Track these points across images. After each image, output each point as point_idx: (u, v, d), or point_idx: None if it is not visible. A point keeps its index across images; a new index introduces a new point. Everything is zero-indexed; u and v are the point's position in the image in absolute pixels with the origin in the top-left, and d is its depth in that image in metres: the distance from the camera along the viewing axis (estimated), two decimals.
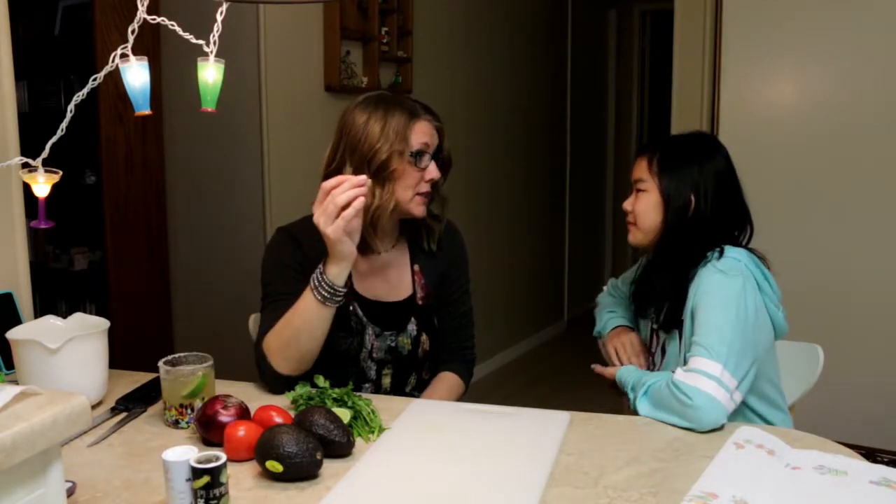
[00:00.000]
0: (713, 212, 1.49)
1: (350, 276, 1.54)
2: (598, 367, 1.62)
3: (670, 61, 3.32)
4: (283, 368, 1.46)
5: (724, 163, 1.55)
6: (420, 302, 1.66)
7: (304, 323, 1.43)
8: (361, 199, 1.35)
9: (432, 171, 1.55)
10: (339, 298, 1.42)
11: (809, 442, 1.23)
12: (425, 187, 1.55)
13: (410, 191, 1.54)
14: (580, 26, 5.24)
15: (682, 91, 3.28)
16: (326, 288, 1.40)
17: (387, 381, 1.64)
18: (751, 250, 1.50)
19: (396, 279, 1.65)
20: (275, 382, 1.47)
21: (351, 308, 1.59)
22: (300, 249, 1.57)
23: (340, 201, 1.34)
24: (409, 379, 1.67)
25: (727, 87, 3.13)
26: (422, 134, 1.54)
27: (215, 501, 0.98)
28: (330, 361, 1.55)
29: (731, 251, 1.46)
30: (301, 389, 1.38)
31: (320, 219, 1.36)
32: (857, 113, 2.92)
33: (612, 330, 1.70)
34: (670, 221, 1.50)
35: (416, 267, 1.67)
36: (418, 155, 1.53)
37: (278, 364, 1.46)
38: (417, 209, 1.56)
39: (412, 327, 1.64)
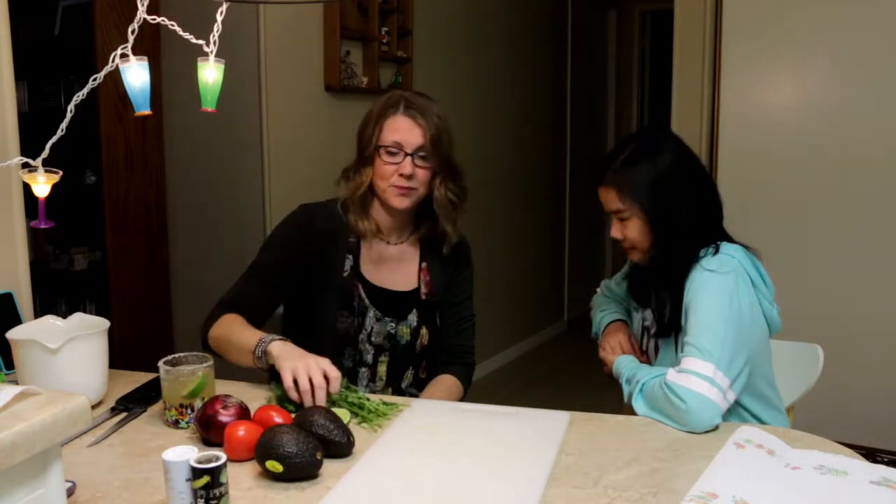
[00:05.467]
0: (695, 204, 1.48)
1: (358, 260, 1.66)
2: (601, 353, 1.62)
3: (670, 61, 3.31)
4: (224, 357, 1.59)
5: (679, 150, 1.51)
6: (424, 297, 1.70)
7: (236, 349, 1.52)
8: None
9: (403, 167, 1.58)
10: (263, 367, 1.47)
11: (809, 442, 1.23)
12: (399, 181, 1.59)
13: (384, 182, 1.61)
14: (580, 26, 5.24)
15: (682, 91, 3.28)
16: (261, 353, 1.45)
17: (382, 368, 1.66)
18: (746, 247, 1.50)
19: (403, 271, 1.70)
20: (204, 347, 1.61)
21: (355, 290, 1.64)
22: (310, 227, 1.66)
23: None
24: (406, 374, 1.69)
25: (727, 87, 3.13)
26: (393, 130, 1.60)
27: (215, 501, 0.98)
28: (330, 339, 1.61)
29: (726, 248, 1.45)
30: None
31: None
32: (857, 113, 2.92)
33: (606, 327, 1.70)
34: (662, 236, 1.47)
35: (424, 265, 1.72)
36: (388, 150, 1.59)
37: (212, 345, 1.60)
38: (393, 200, 1.60)
39: (413, 318, 1.68)
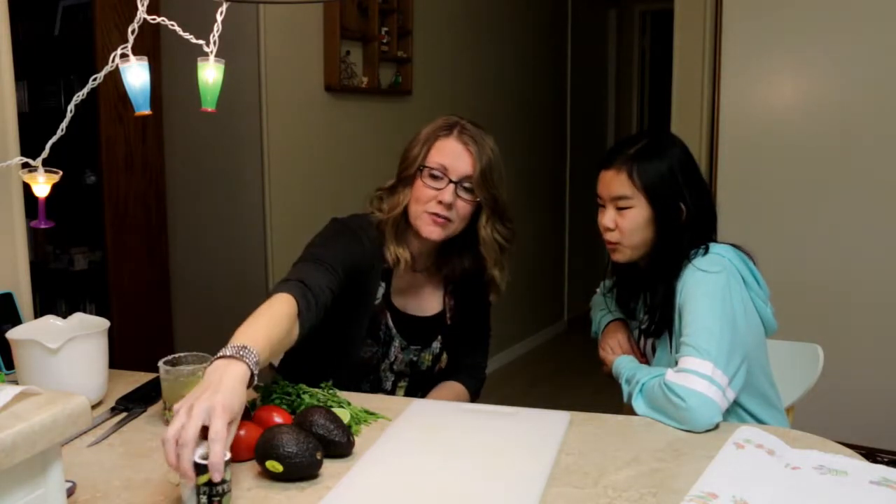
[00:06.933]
0: (696, 209, 1.48)
1: (389, 288, 1.57)
2: (601, 353, 1.62)
3: (670, 61, 3.32)
4: None
5: (686, 153, 1.52)
6: (449, 321, 1.66)
7: None
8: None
9: (443, 194, 1.47)
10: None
11: (809, 442, 1.23)
12: (437, 208, 1.48)
13: (419, 206, 1.49)
14: (580, 26, 5.24)
15: (682, 91, 3.28)
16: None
17: (400, 393, 1.64)
18: (737, 247, 1.50)
19: (428, 296, 1.65)
20: None
21: (383, 318, 1.59)
22: (361, 242, 1.52)
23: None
24: (418, 393, 1.67)
25: (727, 87, 3.13)
26: (442, 153, 1.49)
27: (218, 498, 0.98)
28: (350, 366, 1.56)
29: (716, 248, 1.46)
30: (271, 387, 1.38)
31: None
32: (857, 112, 2.92)
33: (606, 326, 1.70)
34: (664, 233, 1.47)
35: (450, 288, 1.66)
36: (432, 172, 1.49)
37: None
38: (425, 228, 1.49)
39: (436, 345, 1.64)
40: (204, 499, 0.97)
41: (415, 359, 1.62)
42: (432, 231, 1.49)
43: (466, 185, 1.49)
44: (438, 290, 1.66)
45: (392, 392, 1.63)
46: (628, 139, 1.54)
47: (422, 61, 3.66)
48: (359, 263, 1.51)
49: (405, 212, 1.53)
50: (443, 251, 1.60)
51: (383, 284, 1.58)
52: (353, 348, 1.55)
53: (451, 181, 1.48)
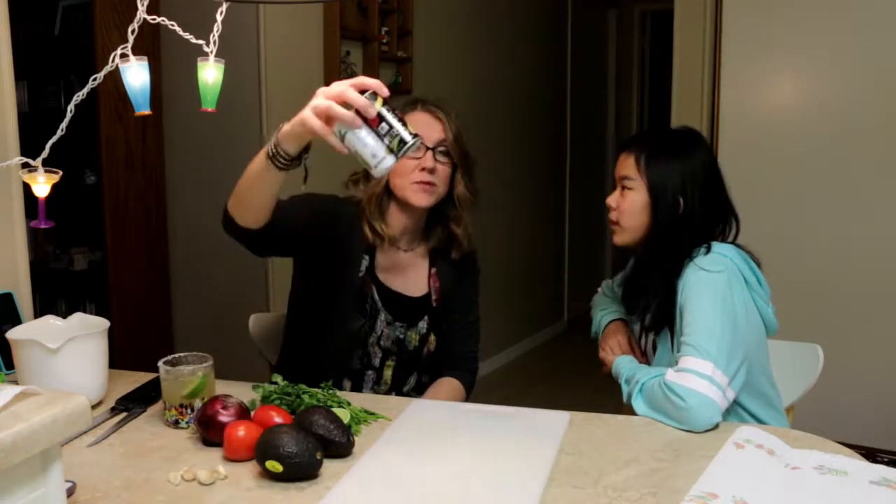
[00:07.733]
0: (700, 209, 1.49)
1: (374, 261, 1.63)
2: (601, 354, 1.63)
3: (670, 61, 3.32)
4: (238, 220, 1.45)
5: (708, 157, 1.55)
6: (434, 303, 1.69)
7: (252, 175, 1.42)
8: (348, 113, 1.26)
9: (424, 161, 1.56)
10: (282, 163, 1.36)
11: (809, 442, 1.23)
12: (421, 175, 1.56)
13: (404, 178, 1.58)
14: (580, 26, 5.24)
15: (682, 91, 3.28)
16: (272, 146, 1.36)
17: (388, 372, 1.66)
18: (740, 246, 1.50)
19: (414, 277, 1.69)
20: (234, 233, 1.47)
21: (369, 291, 1.63)
22: (340, 212, 1.62)
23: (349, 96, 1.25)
24: (409, 378, 1.69)
25: (727, 87, 3.13)
26: (413, 125, 1.56)
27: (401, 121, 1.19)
28: (340, 339, 1.60)
29: (718, 247, 1.46)
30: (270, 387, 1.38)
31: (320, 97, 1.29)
32: (857, 112, 2.92)
33: (606, 326, 1.70)
34: (658, 221, 1.49)
35: (434, 270, 1.70)
36: None
37: (234, 215, 1.45)
38: (415, 197, 1.57)
39: (423, 325, 1.67)
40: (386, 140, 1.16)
41: (401, 336, 1.65)
42: (422, 198, 1.58)
43: (442, 149, 1.59)
44: (423, 271, 1.70)
45: (381, 369, 1.65)
46: (658, 129, 1.62)
47: (422, 61, 3.66)
48: (336, 217, 1.61)
49: (387, 189, 1.61)
50: (427, 222, 1.68)
51: (367, 258, 1.63)
52: (342, 319, 1.60)
53: (428, 148, 1.57)
